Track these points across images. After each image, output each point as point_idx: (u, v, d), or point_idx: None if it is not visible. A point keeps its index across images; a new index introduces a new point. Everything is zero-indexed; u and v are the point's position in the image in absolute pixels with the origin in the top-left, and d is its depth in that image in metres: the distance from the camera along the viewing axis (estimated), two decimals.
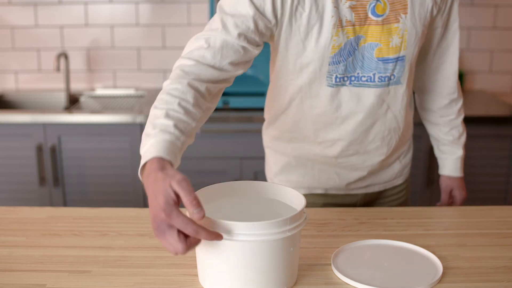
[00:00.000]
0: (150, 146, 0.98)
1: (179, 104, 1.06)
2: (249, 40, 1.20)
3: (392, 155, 1.45)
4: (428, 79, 1.47)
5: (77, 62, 2.96)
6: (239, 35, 1.19)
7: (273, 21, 1.22)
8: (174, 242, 0.90)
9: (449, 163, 1.57)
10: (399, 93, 1.34)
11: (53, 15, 2.89)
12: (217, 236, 0.93)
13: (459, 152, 1.55)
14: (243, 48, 1.20)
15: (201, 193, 1.09)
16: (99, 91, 2.95)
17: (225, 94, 2.51)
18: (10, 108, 2.92)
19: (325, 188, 1.46)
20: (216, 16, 1.22)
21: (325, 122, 1.35)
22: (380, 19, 1.26)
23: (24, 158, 2.52)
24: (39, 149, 2.48)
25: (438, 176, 1.61)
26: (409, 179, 1.58)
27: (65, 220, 1.34)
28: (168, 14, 2.89)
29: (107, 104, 2.90)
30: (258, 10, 1.20)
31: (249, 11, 1.19)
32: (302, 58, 1.28)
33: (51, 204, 2.55)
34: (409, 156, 1.54)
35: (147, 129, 1.03)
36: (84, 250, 1.18)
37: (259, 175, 2.49)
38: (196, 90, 1.11)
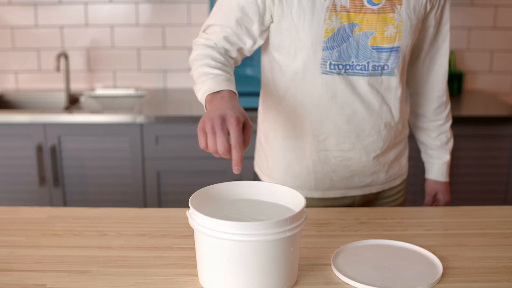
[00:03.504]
0: (211, 85, 1.18)
1: (210, 57, 1.28)
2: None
3: (388, 152, 1.45)
4: (418, 80, 1.49)
5: (77, 62, 2.96)
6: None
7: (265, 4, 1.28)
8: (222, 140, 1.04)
9: (436, 168, 1.60)
10: (393, 85, 1.36)
11: (53, 15, 2.89)
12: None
13: (446, 157, 1.58)
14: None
15: (201, 193, 1.09)
16: (99, 91, 2.95)
17: None
18: (10, 108, 2.92)
19: (322, 189, 1.45)
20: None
21: (320, 113, 1.36)
22: (376, 7, 1.28)
23: (24, 158, 2.52)
24: (39, 149, 2.48)
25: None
26: (406, 180, 1.58)
27: (65, 220, 1.34)
28: (168, 14, 2.89)
29: (107, 104, 2.89)
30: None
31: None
32: (296, 41, 1.30)
33: (51, 204, 2.55)
34: (406, 156, 1.55)
35: (197, 85, 1.23)
36: (84, 250, 1.18)
37: None
38: (217, 50, 1.32)
